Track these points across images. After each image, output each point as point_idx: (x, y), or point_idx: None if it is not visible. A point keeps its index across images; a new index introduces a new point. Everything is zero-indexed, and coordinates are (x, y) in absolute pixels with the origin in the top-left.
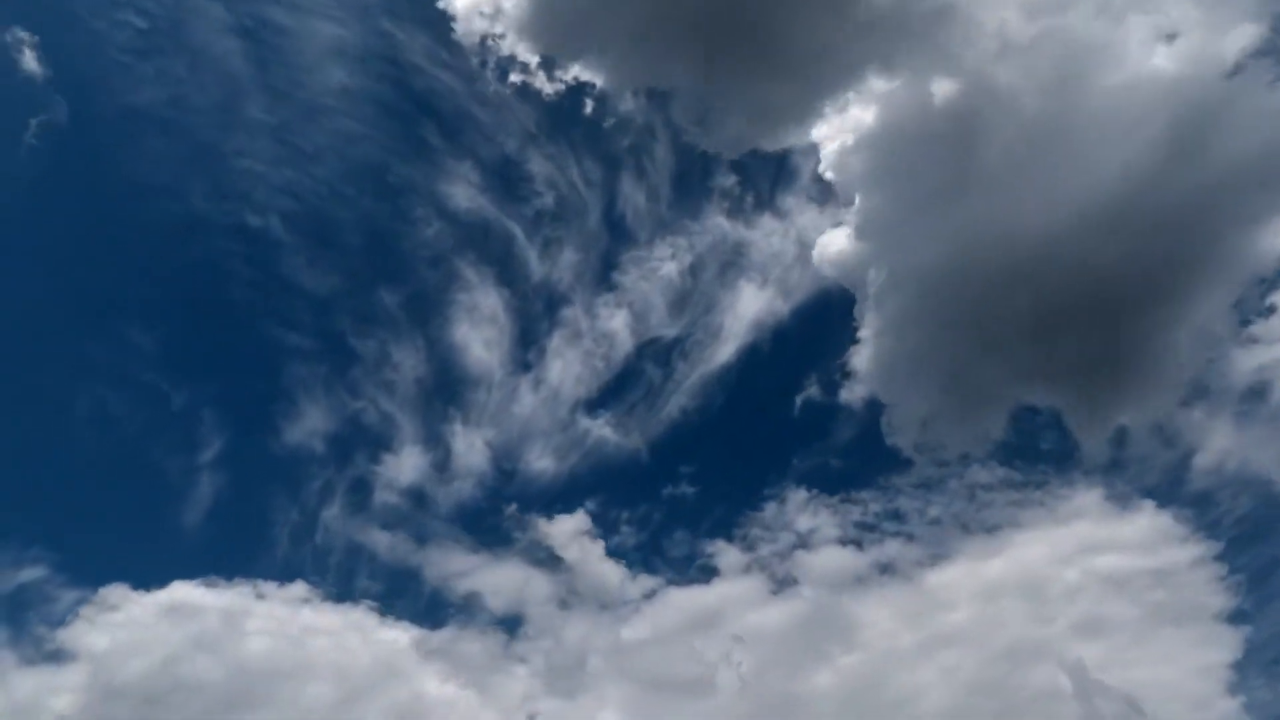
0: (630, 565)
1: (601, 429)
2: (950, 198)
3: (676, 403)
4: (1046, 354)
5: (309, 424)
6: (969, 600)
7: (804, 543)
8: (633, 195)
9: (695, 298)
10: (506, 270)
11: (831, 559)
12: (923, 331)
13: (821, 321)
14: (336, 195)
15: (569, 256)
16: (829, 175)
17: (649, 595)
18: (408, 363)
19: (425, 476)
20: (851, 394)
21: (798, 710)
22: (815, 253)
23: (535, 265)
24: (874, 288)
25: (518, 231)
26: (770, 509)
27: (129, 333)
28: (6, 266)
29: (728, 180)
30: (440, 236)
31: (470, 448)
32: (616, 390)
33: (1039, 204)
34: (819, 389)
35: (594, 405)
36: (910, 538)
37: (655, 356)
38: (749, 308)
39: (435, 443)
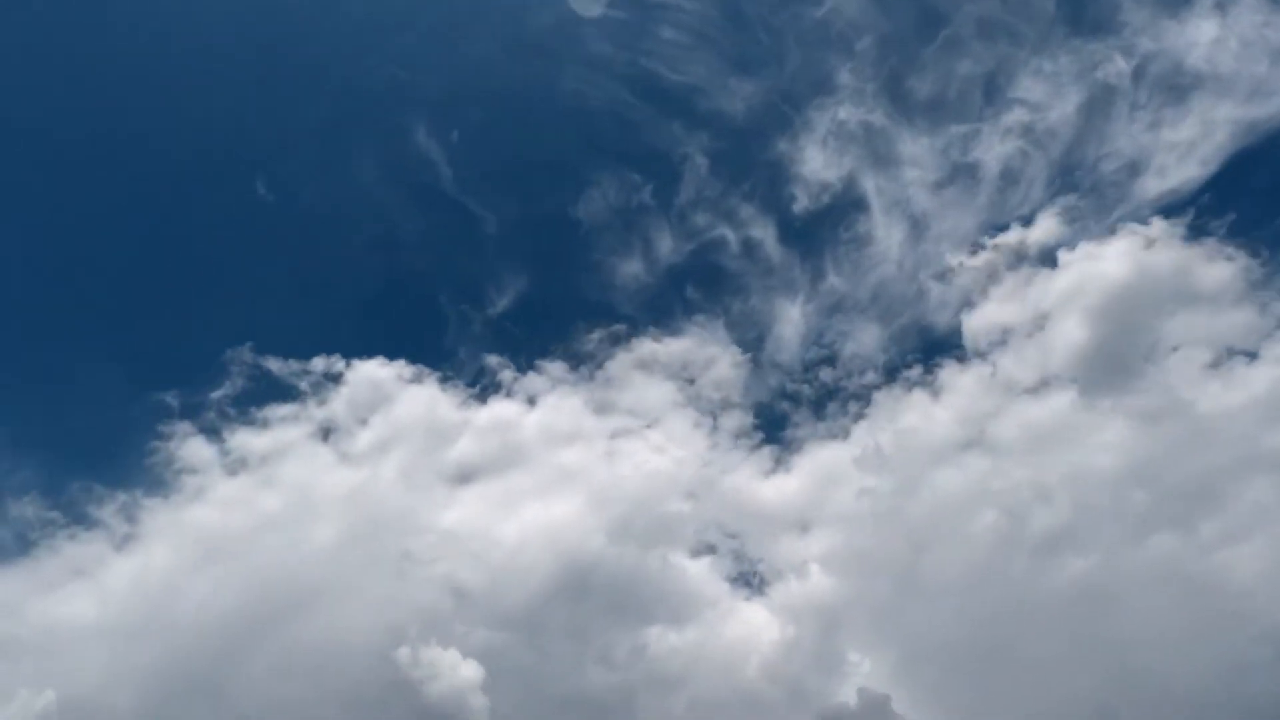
0: None
1: (952, 297)
2: None
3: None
4: None
5: (627, 270)
6: None
7: None
8: None
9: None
10: (883, 71)
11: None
12: None
13: None
14: None
15: (959, 64)
16: None
17: None
18: (741, 191)
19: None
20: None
21: None
22: None
23: (920, 66)
24: None
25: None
26: None
27: (425, 138)
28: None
29: None
30: (828, 18)
31: (789, 324)
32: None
33: None
34: None
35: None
36: None
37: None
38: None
39: (749, 322)
